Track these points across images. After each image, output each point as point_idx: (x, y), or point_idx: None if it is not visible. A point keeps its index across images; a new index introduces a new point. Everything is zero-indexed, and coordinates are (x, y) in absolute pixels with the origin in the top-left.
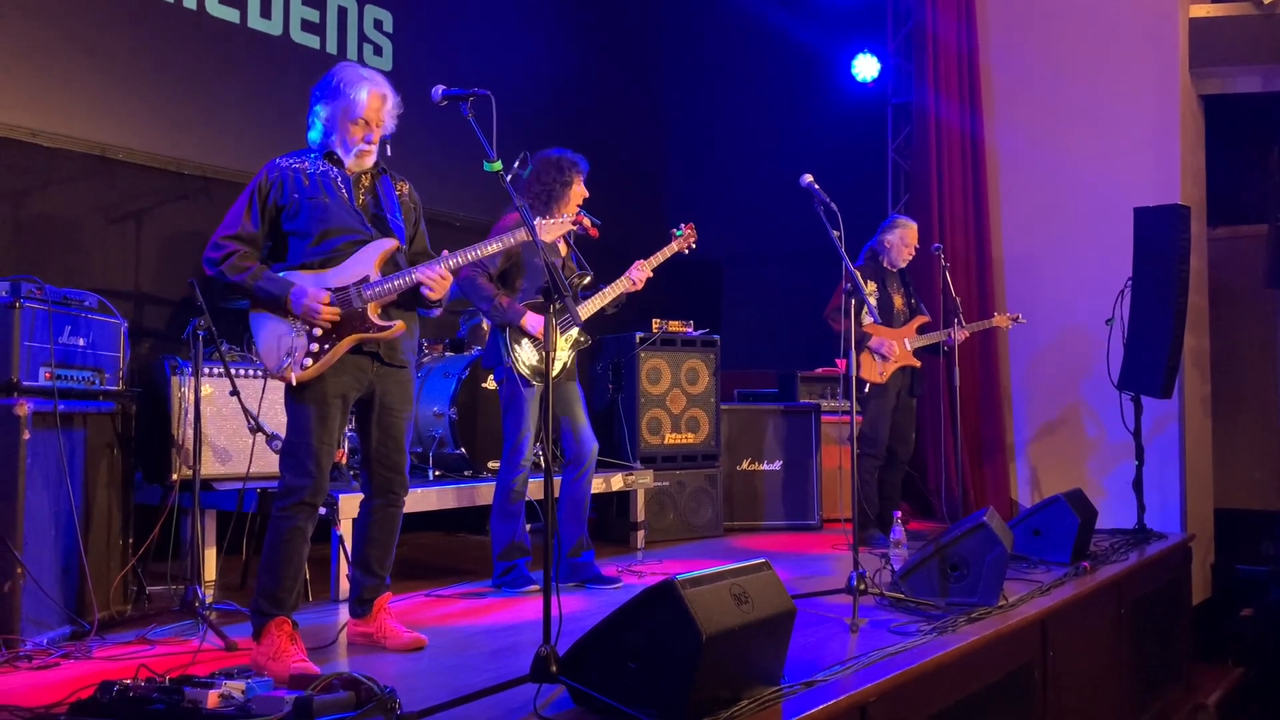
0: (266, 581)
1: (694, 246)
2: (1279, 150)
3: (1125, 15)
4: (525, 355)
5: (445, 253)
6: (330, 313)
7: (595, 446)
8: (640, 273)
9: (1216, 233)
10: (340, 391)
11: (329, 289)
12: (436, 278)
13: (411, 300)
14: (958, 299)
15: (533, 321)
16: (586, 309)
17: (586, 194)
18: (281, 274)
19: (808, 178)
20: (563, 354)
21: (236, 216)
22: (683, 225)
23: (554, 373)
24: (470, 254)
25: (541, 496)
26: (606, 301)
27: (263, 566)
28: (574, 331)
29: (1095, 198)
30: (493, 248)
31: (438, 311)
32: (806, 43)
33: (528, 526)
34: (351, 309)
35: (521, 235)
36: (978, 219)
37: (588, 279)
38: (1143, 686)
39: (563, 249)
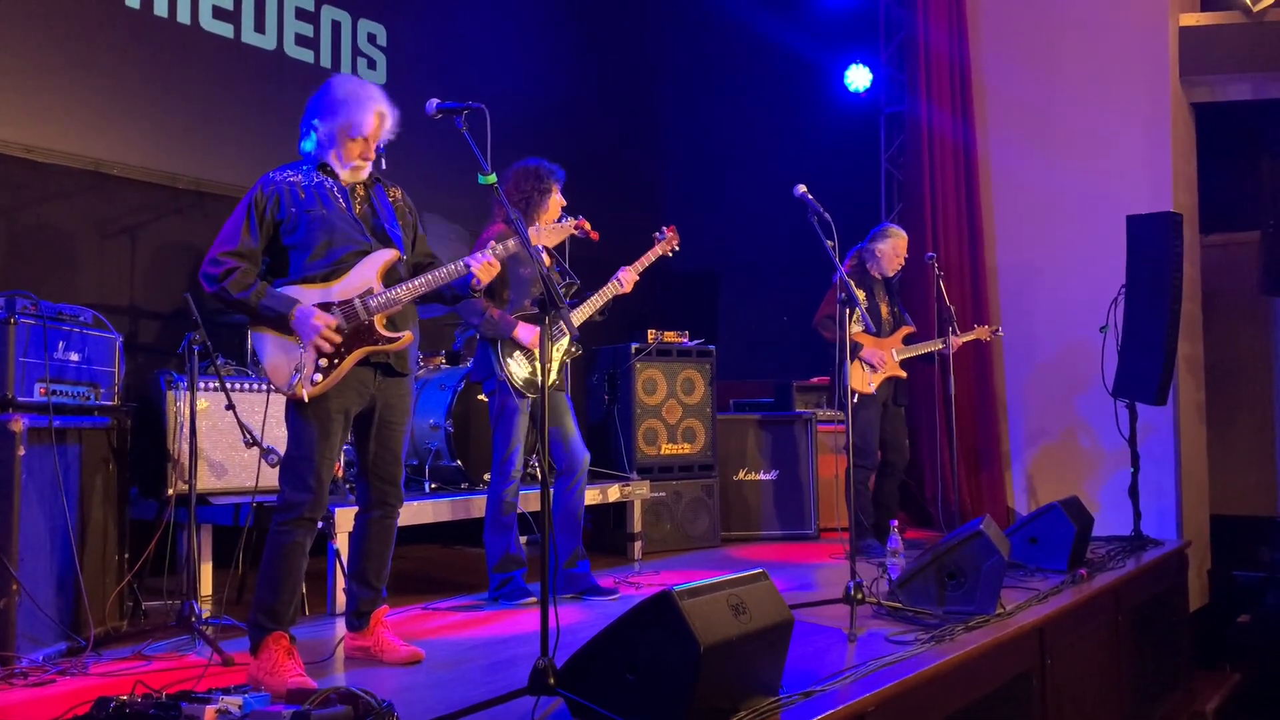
0: (264, 596)
1: (677, 249)
2: (1270, 158)
3: (1116, 24)
4: (518, 367)
5: (492, 242)
6: (334, 337)
7: (587, 457)
8: (627, 275)
9: (1209, 240)
10: (343, 406)
11: (333, 303)
12: (484, 266)
13: (428, 296)
14: (952, 308)
15: (525, 332)
16: (576, 317)
17: (565, 202)
18: (282, 289)
19: (801, 188)
20: (554, 364)
21: (234, 231)
22: (665, 229)
23: (548, 384)
24: (503, 246)
25: (534, 508)
26: (595, 309)
27: (260, 581)
28: (565, 340)
29: (1088, 206)
30: (510, 244)
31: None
32: (799, 53)
33: (523, 539)
34: (358, 322)
35: (565, 229)
36: (971, 228)
37: (575, 287)
38: (1141, 694)
39: (547, 259)
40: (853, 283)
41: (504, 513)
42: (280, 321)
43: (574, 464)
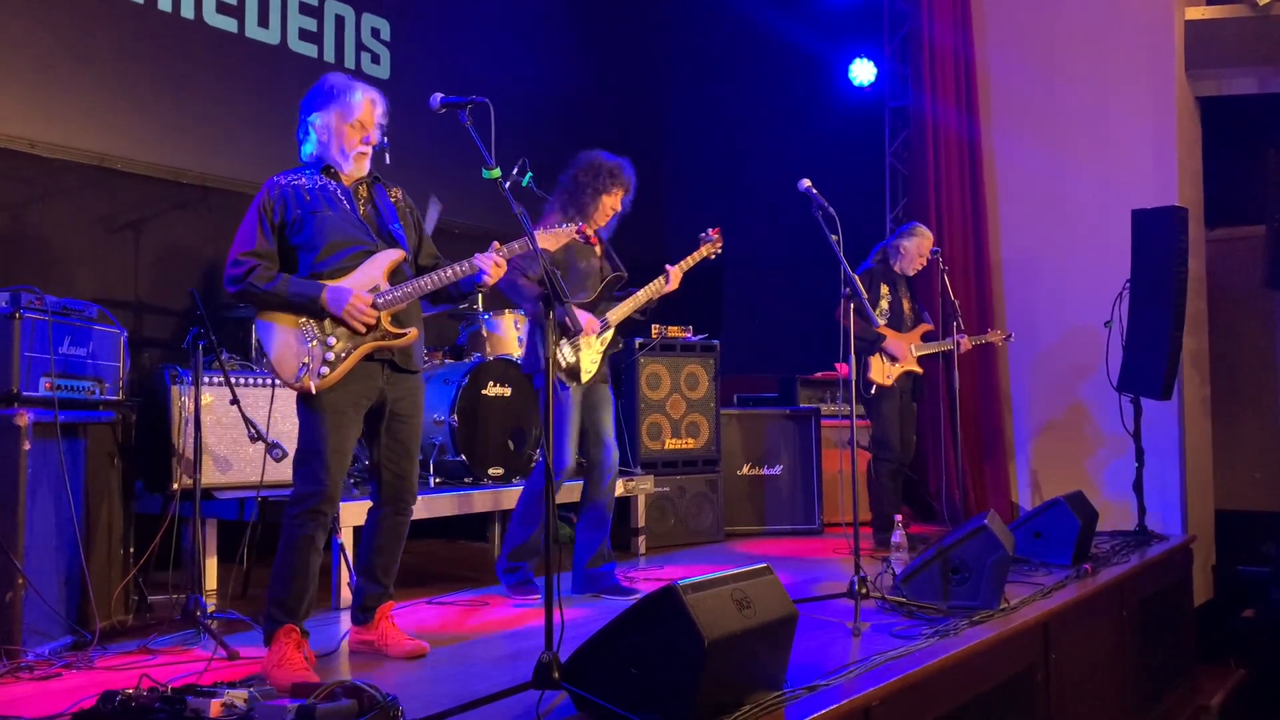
0: (276, 589)
1: (720, 252)
2: (1276, 152)
3: (1121, 17)
4: (563, 354)
5: (495, 244)
6: (372, 313)
7: (616, 455)
8: (674, 272)
9: (1214, 234)
10: (353, 400)
11: None
12: (492, 265)
13: (433, 296)
14: (956, 303)
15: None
16: (619, 311)
17: (622, 209)
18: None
19: (806, 182)
20: (595, 355)
21: (250, 234)
22: (710, 230)
23: (586, 380)
24: (515, 245)
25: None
26: (638, 305)
27: (273, 574)
28: (608, 335)
29: (1093, 200)
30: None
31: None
32: (803, 47)
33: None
34: None
35: (563, 236)
36: (976, 222)
37: (622, 280)
38: (1145, 688)
39: (598, 249)
40: (876, 277)
41: (540, 503)
42: (312, 304)
43: (604, 462)
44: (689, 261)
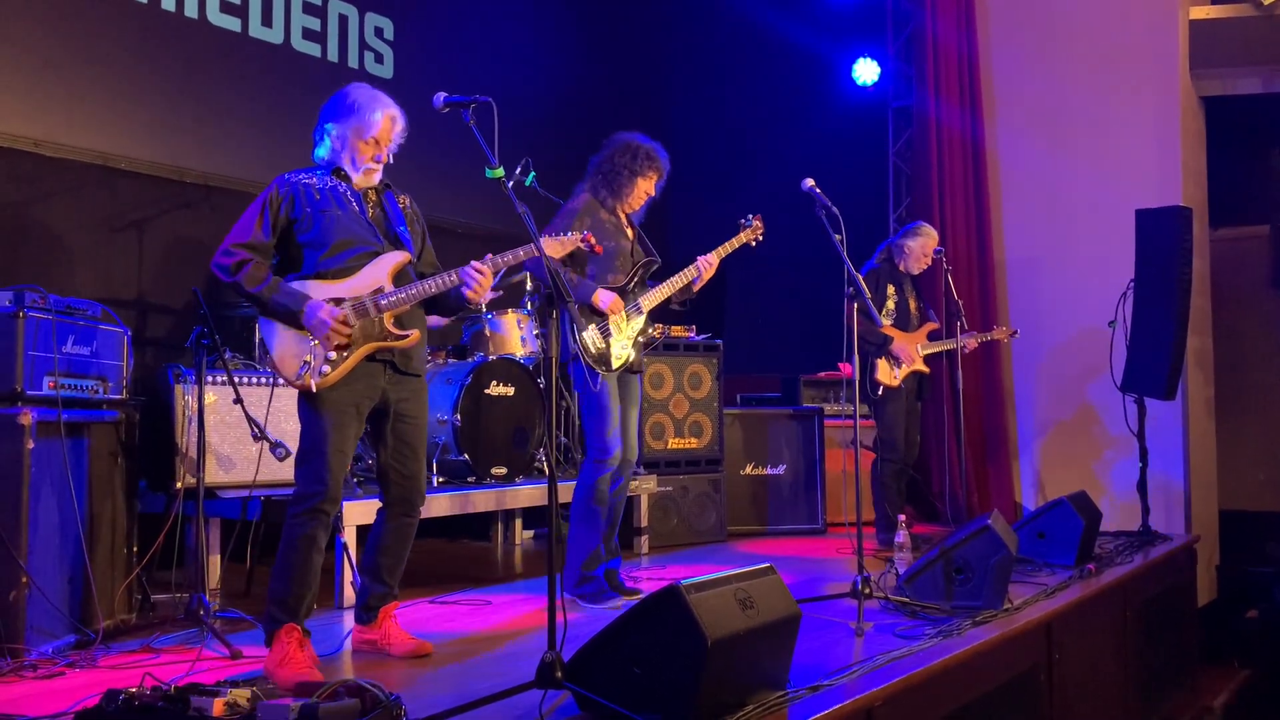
0: (277, 588)
1: (761, 239)
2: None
3: (1125, 17)
4: (591, 340)
5: (488, 255)
6: (343, 331)
7: (636, 454)
8: (708, 260)
9: (1218, 234)
10: (354, 400)
11: (344, 299)
12: (479, 277)
13: (429, 306)
14: (960, 302)
15: (605, 298)
16: (653, 296)
17: (654, 194)
18: (295, 284)
19: (809, 182)
20: (625, 340)
21: (248, 225)
22: (751, 216)
23: (616, 366)
24: (509, 257)
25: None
26: (672, 291)
27: (275, 573)
28: (639, 321)
29: (1096, 200)
30: (515, 256)
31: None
32: (807, 47)
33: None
34: (368, 318)
35: (571, 241)
36: (979, 222)
37: (655, 266)
38: (1149, 689)
39: (630, 233)
40: (881, 276)
41: (595, 501)
42: (292, 317)
43: (623, 459)
44: (727, 247)
